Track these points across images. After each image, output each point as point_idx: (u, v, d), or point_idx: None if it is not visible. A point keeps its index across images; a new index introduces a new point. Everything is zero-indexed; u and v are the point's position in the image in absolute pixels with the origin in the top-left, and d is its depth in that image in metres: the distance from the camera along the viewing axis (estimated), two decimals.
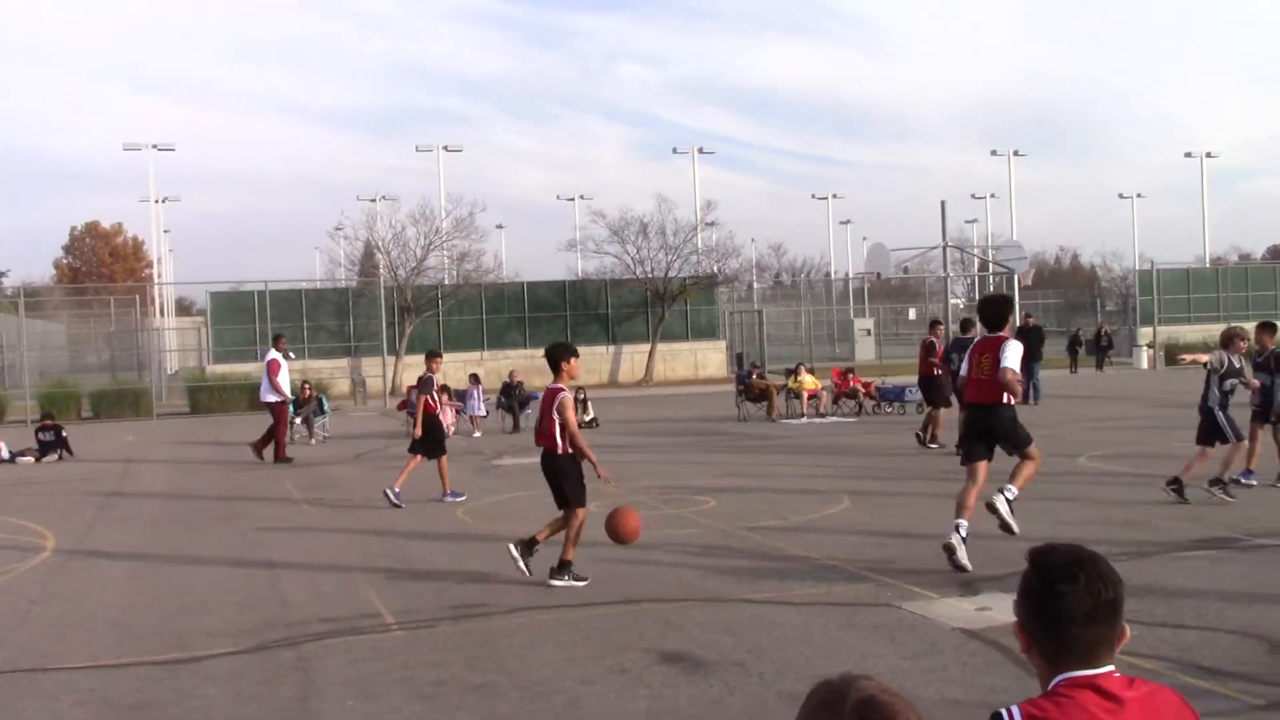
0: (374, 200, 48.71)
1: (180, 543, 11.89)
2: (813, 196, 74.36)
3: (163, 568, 10.60)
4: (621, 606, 8.36)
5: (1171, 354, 42.43)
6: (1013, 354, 9.37)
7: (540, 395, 9.87)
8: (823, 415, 25.18)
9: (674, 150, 56.09)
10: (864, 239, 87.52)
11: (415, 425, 14.24)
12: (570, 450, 9.16)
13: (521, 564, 9.14)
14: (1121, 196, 69.09)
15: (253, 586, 9.58)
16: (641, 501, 13.77)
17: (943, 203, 31.50)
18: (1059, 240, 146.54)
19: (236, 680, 6.87)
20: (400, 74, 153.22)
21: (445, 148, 52.76)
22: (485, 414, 24.92)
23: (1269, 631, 7.03)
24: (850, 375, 26.42)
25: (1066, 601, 2.31)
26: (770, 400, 25.32)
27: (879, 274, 33.35)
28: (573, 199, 62.54)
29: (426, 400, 14.12)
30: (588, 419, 24.44)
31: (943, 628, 7.46)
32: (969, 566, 8.98)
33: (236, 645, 7.66)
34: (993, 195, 70.33)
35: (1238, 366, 12.43)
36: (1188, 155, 62.32)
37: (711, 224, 48.17)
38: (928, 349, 19.30)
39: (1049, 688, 2.34)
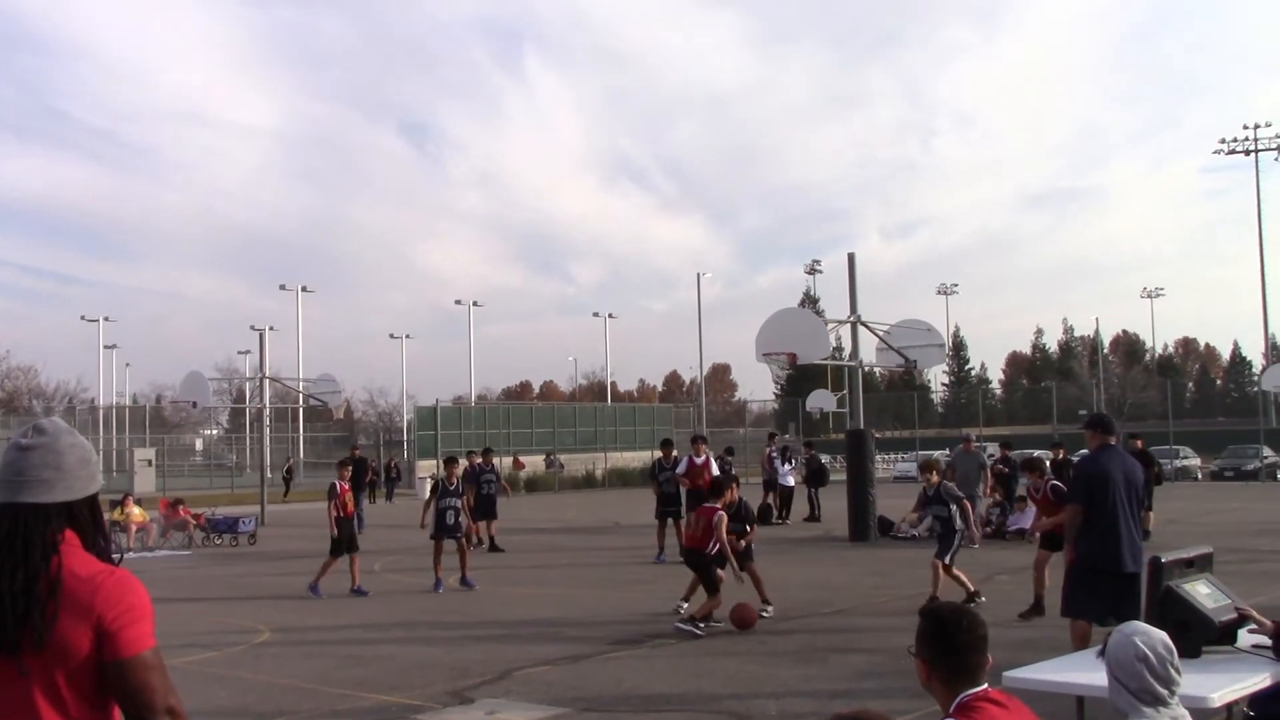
0: None
1: None
2: (82, 318, 70.43)
3: None
4: None
5: None
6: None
7: None
8: (151, 549, 24.16)
9: None
10: (127, 365, 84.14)
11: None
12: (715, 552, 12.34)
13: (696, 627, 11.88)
14: (392, 336, 73.85)
15: None
16: None
17: (261, 334, 32.04)
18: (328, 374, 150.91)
19: None
20: None
21: None
22: None
23: (728, 709, 8.73)
24: (180, 506, 25.68)
25: (960, 638, 3.50)
26: None
27: (195, 403, 32.77)
28: None
29: None
30: None
31: None
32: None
33: None
34: (271, 328, 71.35)
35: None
36: (457, 303, 68.57)
37: None
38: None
39: (954, 704, 3.48)
